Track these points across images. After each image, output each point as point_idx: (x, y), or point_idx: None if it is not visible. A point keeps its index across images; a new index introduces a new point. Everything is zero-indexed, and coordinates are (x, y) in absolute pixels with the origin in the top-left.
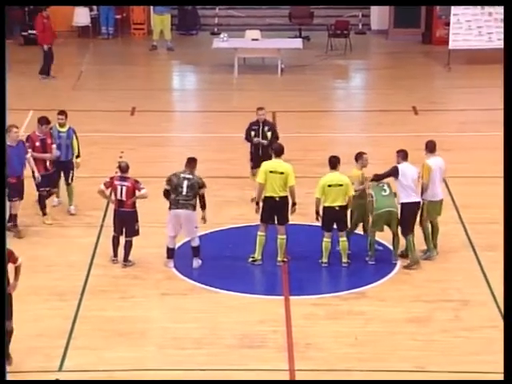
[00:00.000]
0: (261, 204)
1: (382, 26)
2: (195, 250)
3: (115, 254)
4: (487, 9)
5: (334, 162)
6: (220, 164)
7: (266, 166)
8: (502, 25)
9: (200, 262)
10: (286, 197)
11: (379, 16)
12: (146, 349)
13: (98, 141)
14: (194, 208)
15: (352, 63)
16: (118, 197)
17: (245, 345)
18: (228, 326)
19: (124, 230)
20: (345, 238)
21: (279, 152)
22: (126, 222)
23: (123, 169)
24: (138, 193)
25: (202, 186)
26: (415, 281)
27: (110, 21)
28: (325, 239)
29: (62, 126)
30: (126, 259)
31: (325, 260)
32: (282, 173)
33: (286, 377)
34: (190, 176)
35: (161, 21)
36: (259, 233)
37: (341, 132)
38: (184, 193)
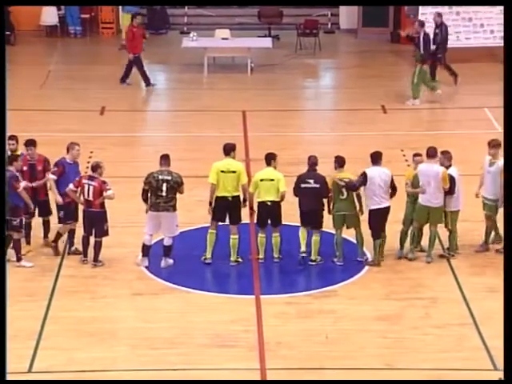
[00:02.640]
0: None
1: (351, 25)
2: (167, 249)
3: (85, 255)
4: (455, 8)
5: (268, 159)
6: (190, 163)
7: (216, 165)
8: (469, 24)
9: (170, 261)
10: (239, 196)
11: (348, 15)
12: (118, 349)
13: (67, 141)
14: (175, 208)
15: (321, 62)
16: (86, 196)
17: (216, 344)
18: (200, 325)
19: (93, 230)
20: (277, 234)
21: (229, 150)
22: (94, 222)
23: (93, 168)
24: (104, 193)
25: (181, 184)
26: (385, 279)
27: (75, 20)
28: (260, 235)
29: (14, 151)
30: (95, 259)
31: (261, 256)
32: (233, 172)
33: (257, 376)
34: (169, 177)
35: (130, 20)
36: (210, 230)
37: (310, 131)
38: (164, 195)
